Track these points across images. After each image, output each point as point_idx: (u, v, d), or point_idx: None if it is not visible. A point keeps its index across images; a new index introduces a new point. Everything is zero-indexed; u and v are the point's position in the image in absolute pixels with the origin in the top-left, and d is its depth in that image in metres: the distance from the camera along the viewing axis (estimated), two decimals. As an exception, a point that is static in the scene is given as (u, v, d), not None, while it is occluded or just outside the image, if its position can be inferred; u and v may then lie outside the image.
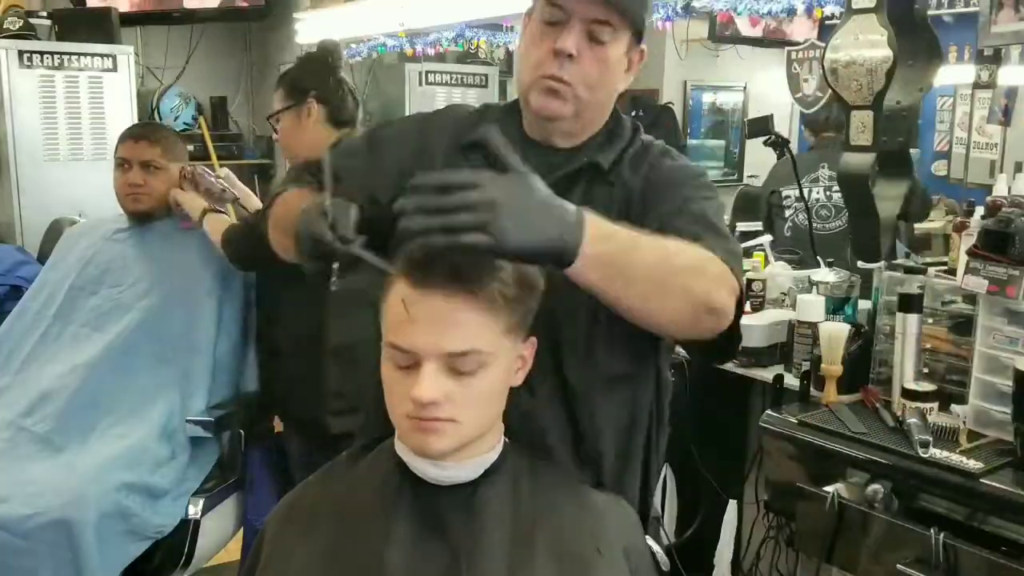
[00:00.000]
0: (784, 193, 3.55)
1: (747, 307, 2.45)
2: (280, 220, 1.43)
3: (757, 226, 3.67)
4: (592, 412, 1.28)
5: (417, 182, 0.97)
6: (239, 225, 2.25)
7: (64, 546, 1.83)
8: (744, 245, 3.30)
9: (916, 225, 3.08)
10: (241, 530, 2.32)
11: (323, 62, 2.35)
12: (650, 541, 1.30)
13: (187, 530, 2.08)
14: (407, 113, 4.20)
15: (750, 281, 2.46)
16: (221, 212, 2.33)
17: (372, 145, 1.43)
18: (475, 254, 0.97)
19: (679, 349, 1.60)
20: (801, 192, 3.16)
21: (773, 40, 5.20)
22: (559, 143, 1.33)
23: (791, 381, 2.10)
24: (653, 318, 1.12)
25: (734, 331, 1.17)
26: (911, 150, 2.55)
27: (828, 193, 3.45)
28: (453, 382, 1.05)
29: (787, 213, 3.55)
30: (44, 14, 4.31)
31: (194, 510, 2.10)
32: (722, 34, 4.90)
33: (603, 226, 1.04)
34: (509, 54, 5.14)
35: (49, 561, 1.82)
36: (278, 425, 2.37)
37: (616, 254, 1.05)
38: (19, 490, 1.91)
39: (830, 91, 2.49)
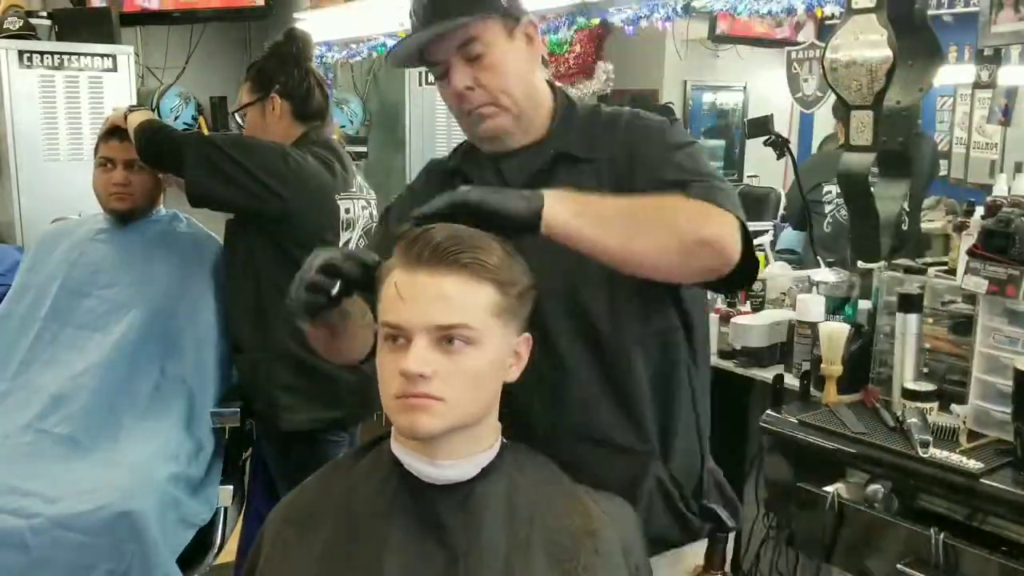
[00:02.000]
0: (825, 188, 3.50)
1: (747, 306, 2.46)
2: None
3: (763, 226, 3.69)
4: (629, 369, 1.31)
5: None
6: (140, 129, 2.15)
7: (129, 538, 1.83)
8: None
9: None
10: (240, 530, 2.32)
11: (289, 53, 2.28)
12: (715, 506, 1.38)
13: (217, 518, 2.12)
14: (407, 113, 4.24)
15: (750, 281, 2.46)
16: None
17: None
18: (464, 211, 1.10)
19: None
20: (802, 192, 3.15)
21: (773, 40, 5.20)
22: (519, 144, 1.37)
23: (791, 381, 2.10)
24: (644, 259, 1.16)
25: (748, 261, 1.20)
26: (911, 150, 2.54)
27: None
28: (442, 357, 1.07)
29: (827, 209, 3.51)
30: (44, 14, 4.29)
31: (224, 498, 2.13)
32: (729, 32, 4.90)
33: (563, 191, 1.15)
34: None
35: (114, 553, 1.82)
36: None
37: (583, 201, 1.15)
38: (69, 489, 1.90)
39: (830, 91, 2.48)
